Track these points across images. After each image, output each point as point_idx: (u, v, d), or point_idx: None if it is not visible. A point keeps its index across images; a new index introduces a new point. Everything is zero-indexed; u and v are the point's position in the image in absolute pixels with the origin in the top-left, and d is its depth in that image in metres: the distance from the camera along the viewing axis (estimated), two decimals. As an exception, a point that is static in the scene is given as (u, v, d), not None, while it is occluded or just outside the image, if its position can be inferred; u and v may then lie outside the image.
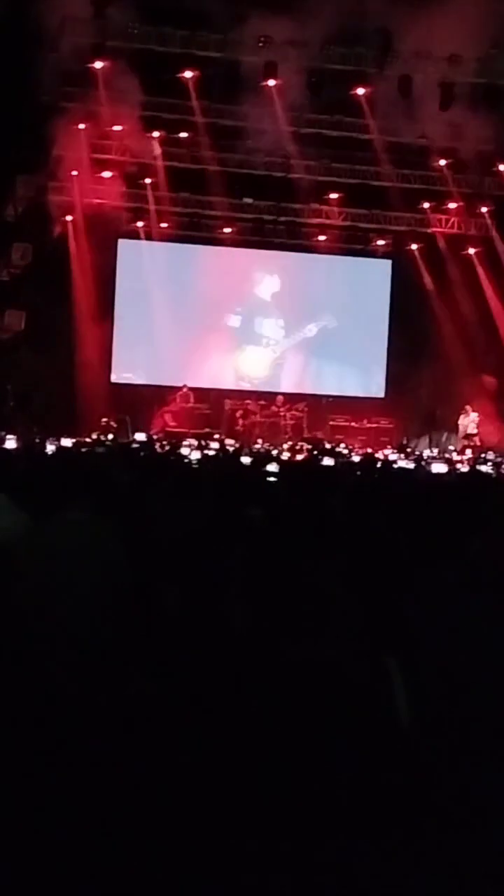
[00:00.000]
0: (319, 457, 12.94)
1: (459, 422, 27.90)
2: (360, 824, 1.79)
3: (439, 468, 16.84)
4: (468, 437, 27.54)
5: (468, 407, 27.89)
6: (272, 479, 8.51)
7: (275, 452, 21.48)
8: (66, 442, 18.22)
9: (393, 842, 1.79)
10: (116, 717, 2.31)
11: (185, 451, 18.33)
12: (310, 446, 24.10)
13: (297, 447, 24.66)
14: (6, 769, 3.03)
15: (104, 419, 27.35)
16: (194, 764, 1.92)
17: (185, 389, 29.20)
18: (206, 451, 19.70)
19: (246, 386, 30.80)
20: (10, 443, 16.67)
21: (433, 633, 4.19)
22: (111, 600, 5.24)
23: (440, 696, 4.02)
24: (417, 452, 26.94)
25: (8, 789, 2.73)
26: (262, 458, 14.44)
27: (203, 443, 23.89)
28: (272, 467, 8.23)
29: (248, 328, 31.35)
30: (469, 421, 27.74)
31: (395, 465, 16.17)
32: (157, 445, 21.35)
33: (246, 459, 14.16)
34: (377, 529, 6.84)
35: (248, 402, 29.76)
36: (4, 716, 3.15)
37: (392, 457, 22.75)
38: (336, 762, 1.83)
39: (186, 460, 13.39)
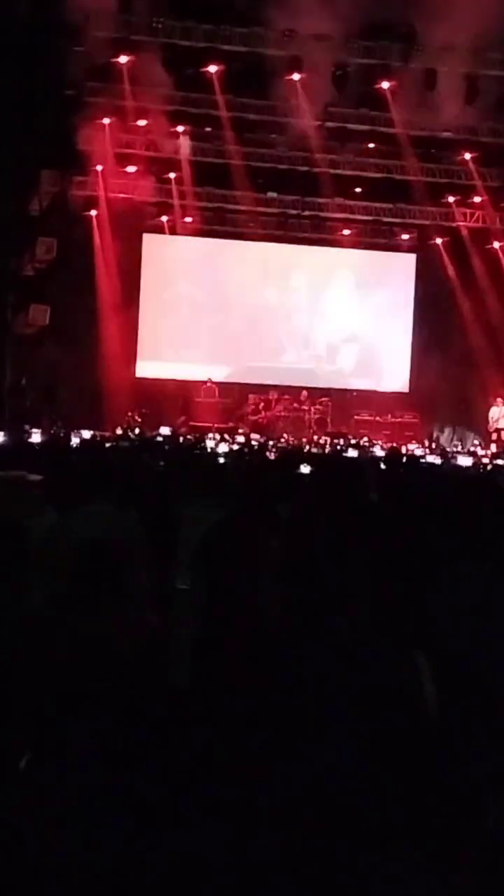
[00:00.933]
0: (345, 450, 12.90)
1: (490, 414, 27.73)
2: (384, 822, 1.77)
3: (464, 461, 16.80)
4: (497, 430, 27.42)
5: (500, 399, 27.75)
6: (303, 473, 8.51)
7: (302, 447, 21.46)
8: (88, 435, 18.23)
9: (417, 841, 1.76)
10: (140, 713, 2.29)
11: (210, 444, 18.32)
12: (335, 440, 24.08)
13: (322, 441, 24.65)
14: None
15: (129, 413, 27.40)
16: (217, 758, 1.89)
17: (209, 384, 29.21)
18: (231, 446, 19.69)
19: (270, 381, 30.76)
20: (36, 436, 16.69)
21: (462, 627, 4.16)
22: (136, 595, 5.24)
23: (468, 691, 3.99)
24: (442, 445, 26.89)
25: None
26: (290, 455, 14.42)
27: (228, 437, 23.90)
28: (305, 469, 8.22)
29: (272, 323, 31.33)
30: (499, 414, 27.59)
31: (422, 460, 16.14)
32: (181, 440, 21.36)
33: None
34: (404, 523, 6.81)
35: (272, 396, 29.74)
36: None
37: (418, 452, 22.71)
38: (362, 758, 1.79)
39: (212, 454, 13.41)
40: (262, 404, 29.25)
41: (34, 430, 18.83)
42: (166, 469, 8.49)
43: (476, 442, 27.71)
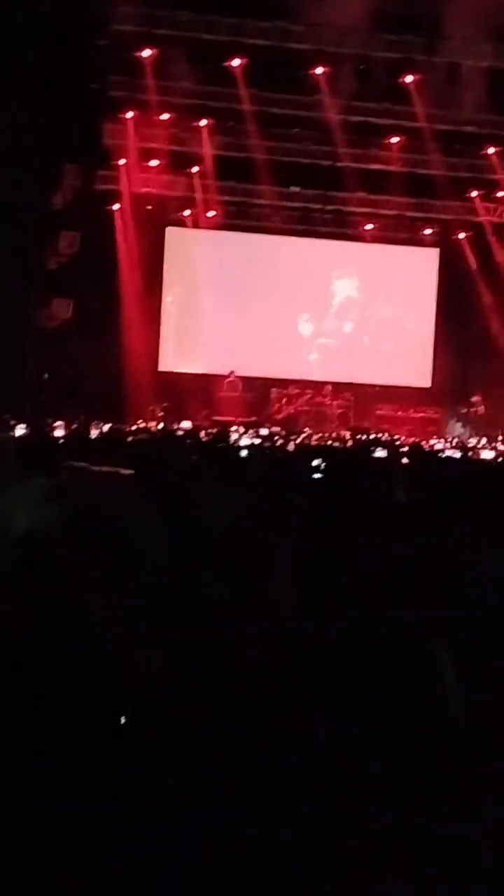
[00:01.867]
0: (373, 449, 12.90)
1: None
2: (402, 814, 1.75)
3: (487, 455, 16.76)
4: None
5: None
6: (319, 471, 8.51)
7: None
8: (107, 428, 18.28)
9: (437, 839, 1.74)
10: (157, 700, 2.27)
11: (233, 438, 18.32)
12: (358, 435, 24.05)
13: (345, 436, 24.63)
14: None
15: (151, 407, 27.42)
16: (231, 750, 1.87)
17: (232, 377, 29.18)
18: (253, 440, 19.70)
19: (292, 375, 30.73)
20: (59, 430, 16.71)
21: (483, 622, 4.15)
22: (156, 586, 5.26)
23: (490, 687, 3.98)
24: (461, 440, 26.84)
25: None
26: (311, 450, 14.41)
27: (252, 431, 23.90)
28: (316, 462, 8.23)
29: (295, 317, 31.30)
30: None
31: (442, 454, 16.12)
32: (203, 433, 21.36)
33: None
34: (424, 516, 6.80)
35: (293, 391, 29.71)
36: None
37: (437, 446, 22.67)
38: (382, 754, 1.78)
39: (234, 448, 13.41)
40: (284, 399, 29.22)
41: (57, 423, 18.84)
42: (187, 464, 8.50)
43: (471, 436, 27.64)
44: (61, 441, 13.45)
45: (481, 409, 28.10)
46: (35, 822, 1.96)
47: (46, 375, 26.71)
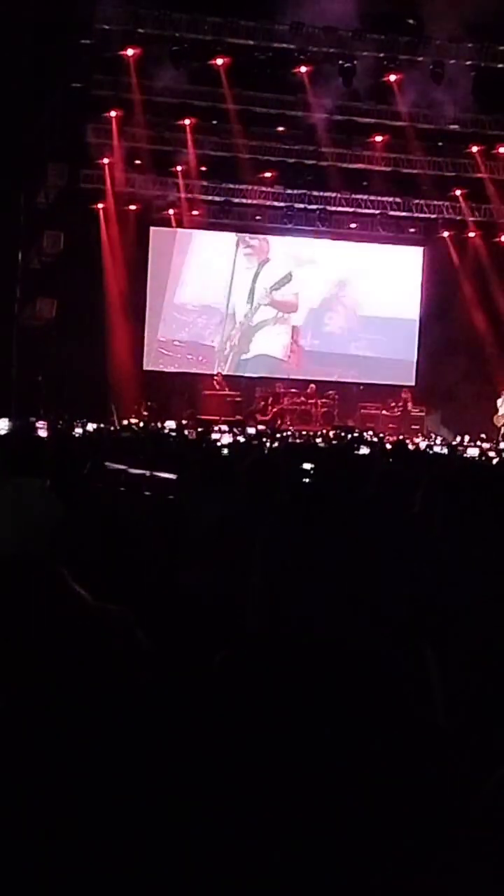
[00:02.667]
0: (356, 447, 12.90)
1: (500, 411, 27.66)
2: (388, 815, 1.74)
3: (472, 452, 16.80)
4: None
5: None
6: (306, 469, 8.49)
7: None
8: (91, 427, 18.26)
9: (420, 834, 1.73)
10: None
11: (214, 436, 18.32)
12: (342, 434, 24.04)
13: (329, 435, 24.61)
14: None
15: (135, 406, 27.44)
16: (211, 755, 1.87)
17: (216, 377, 29.20)
18: (237, 438, 19.69)
19: (277, 373, 30.76)
20: (42, 431, 16.68)
21: (469, 619, 4.16)
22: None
23: (477, 684, 3.99)
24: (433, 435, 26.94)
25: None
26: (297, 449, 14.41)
27: (235, 430, 23.89)
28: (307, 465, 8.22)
29: (279, 316, 31.33)
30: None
31: (429, 451, 16.16)
32: (187, 432, 21.36)
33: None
34: (409, 514, 6.81)
35: (279, 390, 29.73)
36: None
37: (422, 445, 22.70)
38: (367, 753, 1.77)
39: (217, 447, 13.40)
40: (270, 398, 29.22)
41: (40, 423, 18.81)
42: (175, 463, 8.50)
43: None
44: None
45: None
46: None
47: (40, 378, 26.69)
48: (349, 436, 22.18)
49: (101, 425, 23.37)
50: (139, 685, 2.13)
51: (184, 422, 25.62)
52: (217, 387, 28.96)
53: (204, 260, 30.86)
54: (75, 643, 3.34)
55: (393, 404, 29.67)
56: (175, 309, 30.66)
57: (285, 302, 31.27)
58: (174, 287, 30.62)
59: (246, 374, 30.58)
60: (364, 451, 11.51)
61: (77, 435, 16.56)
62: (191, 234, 30.58)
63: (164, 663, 3.55)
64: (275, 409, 28.96)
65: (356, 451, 11.25)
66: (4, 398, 23.51)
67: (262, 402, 29.34)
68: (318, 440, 21.74)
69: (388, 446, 16.90)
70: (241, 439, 19.74)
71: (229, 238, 30.86)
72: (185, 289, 30.80)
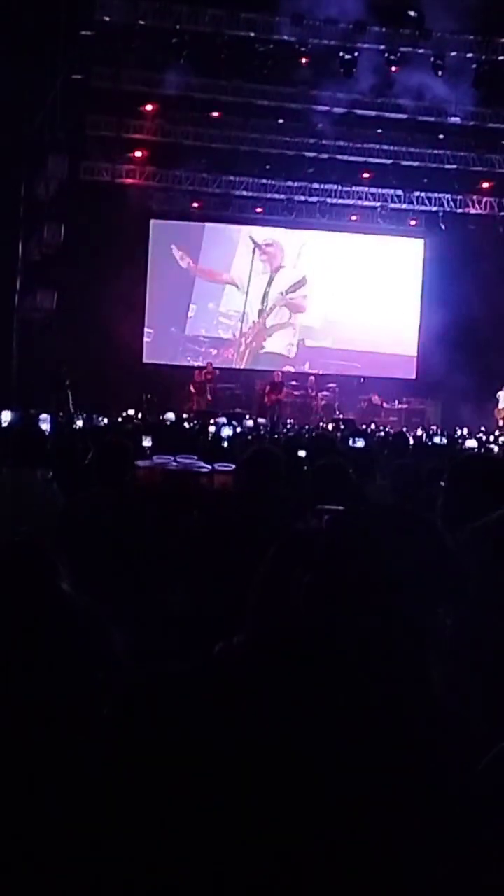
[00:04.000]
0: (354, 439, 12.89)
1: (500, 405, 27.69)
2: (388, 807, 1.74)
3: (471, 444, 16.80)
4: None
5: None
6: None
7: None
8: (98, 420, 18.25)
9: (420, 825, 1.73)
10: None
11: (212, 429, 18.31)
12: (342, 427, 24.04)
13: (329, 428, 24.61)
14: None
15: (147, 395, 27.42)
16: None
17: (209, 368, 29.14)
18: (236, 430, 19.68)
19: (277, 366, 30.77)
20: (45, 425, 16.65)
21: (466, 609, 4.17)
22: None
23: (475, 670, 4.01)
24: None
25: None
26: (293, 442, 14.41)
27: (235, 422, 23.88)
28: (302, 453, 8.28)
29: (280, 308, 31.34)
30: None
31: (430, 443, 16.18)
32: (187, 424, 21.35)
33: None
34: (409, 507, 6.82)
35: (279, 382, 29.72)
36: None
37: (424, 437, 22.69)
38: (368, 740, 1.76)
39: (216, 438, 13.43)
40: (268, 387, 29.13)
41: (43, 416, 18.74)
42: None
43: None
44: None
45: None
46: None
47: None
48: (347, 428, 22.19)
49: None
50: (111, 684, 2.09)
51: (184, 415, 25.59)
52: (215, 379, 28.92)
53: (204, 251, 30.89)
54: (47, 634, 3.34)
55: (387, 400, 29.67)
56: (175, 301, 30.68)
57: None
58: (174, 279, 30.62)
59: (246, 367, 30.63)
60: (360, 443, 11.54)
61: (77, 427, 16.52)
62: (191, 225, 30.58)
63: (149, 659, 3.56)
64: (274, 401, 28.89)
65: (352, 444, 11.28)
66: (4, 390, 23.48)
67: (262, 396, 29.26)
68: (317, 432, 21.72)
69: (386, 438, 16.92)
70: (239, 429, 19.74)
71: (229, 230, 30.87)
72: (185, 281, 30.81)
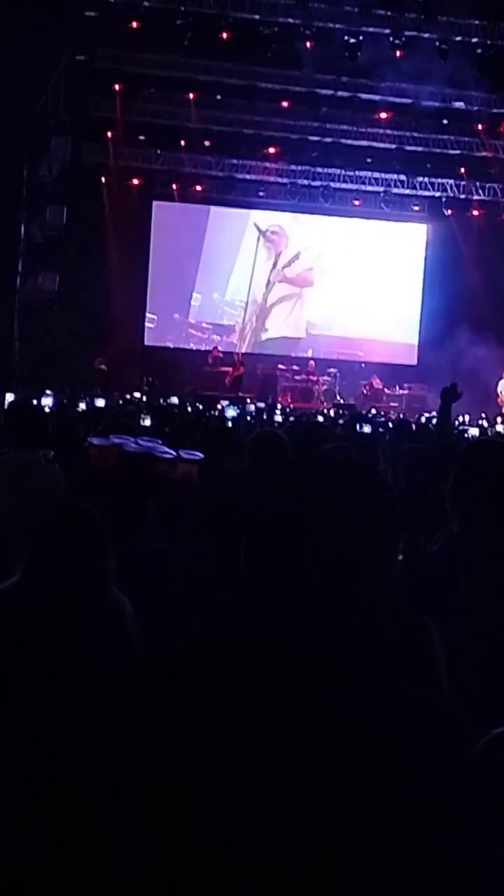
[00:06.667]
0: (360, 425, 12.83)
1: (499, 388, 27.70)
2: (393, 789, 1.70)
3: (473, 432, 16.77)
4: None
5: None
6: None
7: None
8: (100, 402, 18.23)
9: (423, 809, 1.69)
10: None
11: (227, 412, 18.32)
12: (343, 412, 24.02)
13: (331, 413, 24.58)
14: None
15: (138, 381, 27.42)
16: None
17: (215, 352, 29.16)
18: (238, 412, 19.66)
19: (279, 350, 30.76)
20: (47, 399, 16.65)
21: (472, 594, 4.15)
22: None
23: (479, 658, 3.99)
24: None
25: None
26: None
27: (237, 406, 23.84)
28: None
29: (282, 293, 31.31)
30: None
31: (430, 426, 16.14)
32: (189, 407, 21.33)
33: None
34: (413, 492, 6.81)
35: (280, 366, 29.70)
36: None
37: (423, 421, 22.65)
38: (369, 731, 1.72)
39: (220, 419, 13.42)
40: (273, 377, 28.99)
41: (47, 392, 18.73)
42: (175, 435, 8.50)
43: None
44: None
45: None
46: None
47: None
48: (348, 413, 22.16)
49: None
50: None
51: (190, 398, 25.57)
52: (217, 363, 28.87)
53: (206, 235, 30.87)
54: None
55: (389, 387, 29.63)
56: (177, 284, 30.66)
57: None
58: (176, 262, 30.57)
59: (248, 351, 30.61)
60: (367, 429, 11.50)
61: (81, 410, 16.52)
62: (193, 208, 30.53)
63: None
64: (279, 387, 28.83)
65: (359, 430, 11.24)
66: (6, 372, 23.46)
67: (267, 378, 29.15)
68: (319, 418, 21.70)
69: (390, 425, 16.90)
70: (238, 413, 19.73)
71: (232, 213, 30.83)
72: (187, 264, 30.78)
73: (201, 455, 5.52)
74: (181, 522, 5.07)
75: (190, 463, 5.41)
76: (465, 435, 15.70)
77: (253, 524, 1.80)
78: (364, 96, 25.91)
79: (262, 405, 25.04)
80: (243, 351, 30.41)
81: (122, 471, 5.13)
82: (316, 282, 31.31)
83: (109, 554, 3.64)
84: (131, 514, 4.88)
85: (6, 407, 12.00)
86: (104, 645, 3.26)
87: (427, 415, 23.20)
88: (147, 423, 12.67)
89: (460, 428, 20.15)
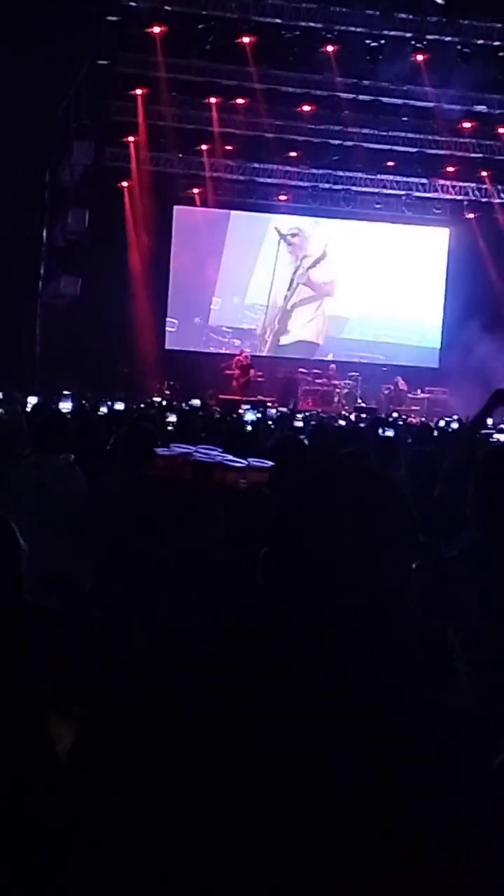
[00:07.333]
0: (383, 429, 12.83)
1: None
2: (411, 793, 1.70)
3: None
4: None
5: None
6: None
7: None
8: (119, 406, 18.26)
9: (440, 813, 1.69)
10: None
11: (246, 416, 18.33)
12: (364, 415, 23.99)
13: (352, 417, 24.56)
14: None
15: (158, 385, 27.45)
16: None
17: (239, 356, 29.13)
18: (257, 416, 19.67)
19: (300, 354, 30.76)
20: (66, 402, 16.68)
21: (492, 599, 4.15)
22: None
23: (499, 662, 3.99)
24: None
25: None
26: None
27: (258, 410, 23.85)
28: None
29: (303, 295, 31.28)
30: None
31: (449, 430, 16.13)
32: (210, 411, 21.33)
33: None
34: (432, 497, 6.80)
35: (301, 370, 29.70)
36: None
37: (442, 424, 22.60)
38: (388, 734, 1.71)
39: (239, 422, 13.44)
40: (237, 371, 28.85)
41: (65, 393, 18.79)
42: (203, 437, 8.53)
43: None
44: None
45: None
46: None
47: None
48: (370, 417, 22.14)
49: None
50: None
51: (211, 402, 25.59)
52: (238, 367, 28.83)
53: (227, 239, 30.88)
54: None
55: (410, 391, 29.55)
56: (199, 288, 30.68)
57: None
58: (198, 266, 30.59)
59: (269, 354, 30.61)
60: (389, 433, 11.51)
61: (103, 413, 16.55)
62: (215, 213, 30.55)
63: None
64: (299, 391, 28.84)
65: (382, 434, 11.25)
66: (28, 375, 23.55)
67: (288, 381, 29.14)
68: (342, 422, 21.68)
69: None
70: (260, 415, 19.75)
71: (253, 217, 30.84)
72: (208, 268, 30.80)
73: (271, 463, 5.44)
74: (251, 532, 5.03)
75: (260, 471, 5.34)
76: (491, 439, 15.65)
77: (271, 536, 1.81)
78: (385, 100, 25.89)
79: (283, 410, 25.07)
80: (264, 354, 30.41)
81: (194, 480, 5.08)
82: (338, 285, 31.25)
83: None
84: (200, 524, 4.86)
85: (29, 410, 12.05)
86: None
87: (448, 419, 23.10)
88: (173, 418, 12.74)
89: (483, 433, 20.09)
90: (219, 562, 4.76)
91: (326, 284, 31.27)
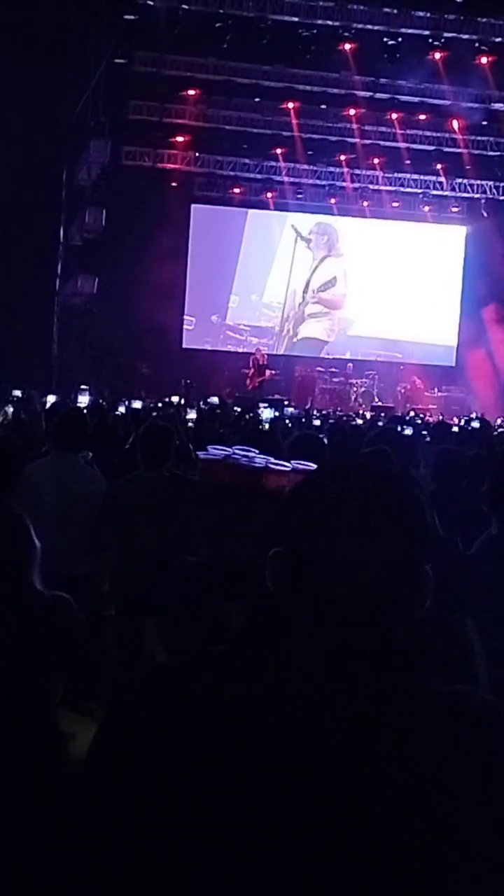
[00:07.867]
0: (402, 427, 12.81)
1: None
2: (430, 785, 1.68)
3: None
4: None
5: None
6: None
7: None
8: (136, 404, 18.25)
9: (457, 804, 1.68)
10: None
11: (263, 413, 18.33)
12: (381, 414, 23.95)
13: (368, 415, 24.53)
14: None
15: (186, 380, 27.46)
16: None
17: (256, 355, 29.11)
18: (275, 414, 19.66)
19: (316, 353, 30.74)
20: (83, 397, 16.71)
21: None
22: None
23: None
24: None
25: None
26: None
27: (275, 408, 23.82)
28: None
29: (318, 295, 31.26)
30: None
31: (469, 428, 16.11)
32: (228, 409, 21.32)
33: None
34: (451, 493, 6.79)
35: (318, 368, 29.68)
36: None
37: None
38: (407, 728, 1.70)
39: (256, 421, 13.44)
40: (310, 379, 28.92)
41: (81, 392, 18.78)
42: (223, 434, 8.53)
43: None
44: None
45: None
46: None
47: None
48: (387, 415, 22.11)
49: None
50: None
51: (228, 400, 25.57)
52: (255, 365, 28.80)
53: (244, 237, 30.89)
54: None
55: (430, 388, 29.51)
56: (216, 287, 30.68)
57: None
58: (214, 265, 30.60)
59: (285, 353, 30.61)
60: (408, 431, 11.49)
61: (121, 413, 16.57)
62: (231, 211, 30.55)
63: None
64: (317, 389, 28.81)
65: (401, 432, 11.23)
66: (46, 373, 23.57)
67: (305, 380, 29.13)
68: (359, 421, 21.65)
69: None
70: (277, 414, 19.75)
71: (270, 216, 30.83)
72: (225, 267, 30.81)
73: (315, 465, 5.37)
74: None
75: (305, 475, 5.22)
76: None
77: (282, 539, 1.80)
78: (403, 98, 25.86)
79: (298, 410, 25.05)
80: (281, 352, 30.41)
81: (235, 485, 5.01)
82: (352, 284, 31.21)
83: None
84: (241, 530, 4.81)
85: (48, 409, 12.07)
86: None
87: (467, 416, 23.07)
88: (192, 415, 12.75)
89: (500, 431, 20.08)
90: (259, 566, 4.73)
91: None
